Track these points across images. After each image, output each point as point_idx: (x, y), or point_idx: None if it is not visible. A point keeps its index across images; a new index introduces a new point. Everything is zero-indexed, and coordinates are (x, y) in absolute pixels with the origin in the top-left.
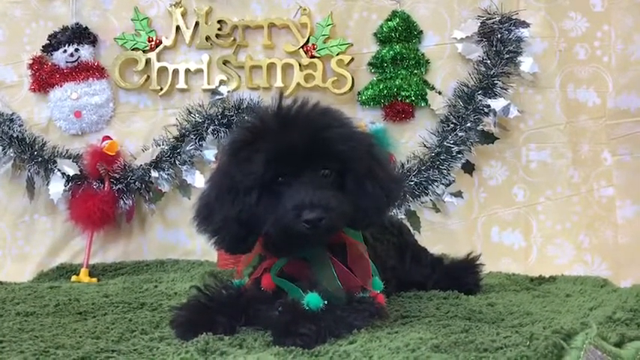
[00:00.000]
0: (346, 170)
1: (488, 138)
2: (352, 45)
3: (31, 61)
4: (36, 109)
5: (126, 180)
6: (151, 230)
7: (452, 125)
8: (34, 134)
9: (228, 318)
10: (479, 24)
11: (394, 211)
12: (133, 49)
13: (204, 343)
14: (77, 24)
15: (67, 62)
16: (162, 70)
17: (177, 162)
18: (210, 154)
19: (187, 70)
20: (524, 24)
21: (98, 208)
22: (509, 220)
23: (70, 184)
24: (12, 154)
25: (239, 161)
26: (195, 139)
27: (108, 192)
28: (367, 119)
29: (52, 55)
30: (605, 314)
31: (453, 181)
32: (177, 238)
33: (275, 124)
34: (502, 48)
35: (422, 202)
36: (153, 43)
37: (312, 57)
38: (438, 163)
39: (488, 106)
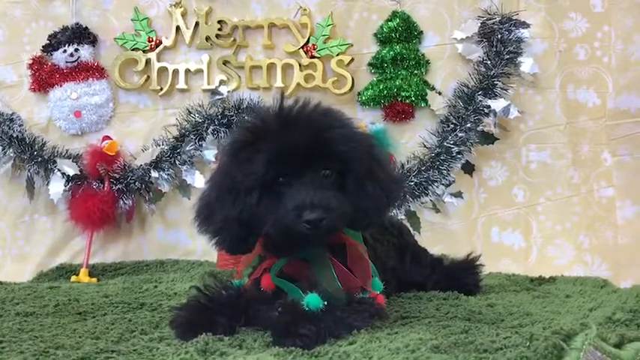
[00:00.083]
0: (347, 171)
1: (489, 138)
2: (352, 45)
3: (31, 61)
4: (36, 109)
5: (126, 180)
6: (151, 230)
7: (452, 126)
8: (34, 134)
9: (227, 318)
10: (479, 24)
11: (394, 211)
12: (133, 49)
13: (203, 344)
14: (77, 24)
15: (66, 62)
16: (162, 70)
17: (177, 162)
18: (210, 154)
19: (187, 70)
20: (525, 24)
21: (98, 208)
22: (509, 220)
23: (69, 184)
24: (12, 154)
25: (240, 161)
26: (195, 139)
27: (108, 192)
28: (367, 120)
29: (51, 55)
30: (605, 315)
31: (453, 181)
32: (177, 238)
33: (276, 124)
34: (502, 48)
35: (422, 203)
36: (153, 43)
37: (312, 57)
38: (438, 163)
39: (489, 106)
